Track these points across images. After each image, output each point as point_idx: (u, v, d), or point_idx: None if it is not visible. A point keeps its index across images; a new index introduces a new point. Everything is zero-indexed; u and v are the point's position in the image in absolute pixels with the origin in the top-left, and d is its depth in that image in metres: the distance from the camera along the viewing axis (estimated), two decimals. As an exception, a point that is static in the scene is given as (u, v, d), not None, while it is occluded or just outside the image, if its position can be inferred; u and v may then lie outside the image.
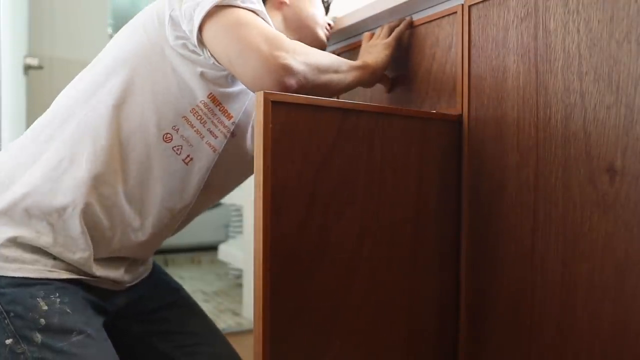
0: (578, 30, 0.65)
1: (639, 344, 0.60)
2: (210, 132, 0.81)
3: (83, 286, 0.80)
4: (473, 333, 0.80)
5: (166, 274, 1.03)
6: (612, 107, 0.62)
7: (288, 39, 0.73)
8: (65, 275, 0.77)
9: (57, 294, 0.75)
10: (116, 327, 0.90)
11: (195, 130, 0.80)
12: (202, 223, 3.33)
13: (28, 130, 0.83)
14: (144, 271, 0.94)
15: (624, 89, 0.61)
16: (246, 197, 2.10)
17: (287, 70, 0.69)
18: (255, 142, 0.64)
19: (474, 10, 0.79)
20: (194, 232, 3.29)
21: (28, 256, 0.75)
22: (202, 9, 0.73)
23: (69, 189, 0.76)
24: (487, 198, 0.77)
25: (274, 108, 0.64)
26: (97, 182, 0.77)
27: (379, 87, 0.97)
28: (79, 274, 0.79)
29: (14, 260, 0.75)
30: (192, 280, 2.64)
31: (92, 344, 0.74)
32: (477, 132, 0.79)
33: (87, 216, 0.77)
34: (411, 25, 0.92)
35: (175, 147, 0.80)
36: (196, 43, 0.75)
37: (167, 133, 0.79)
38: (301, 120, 0.67)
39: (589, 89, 0.64)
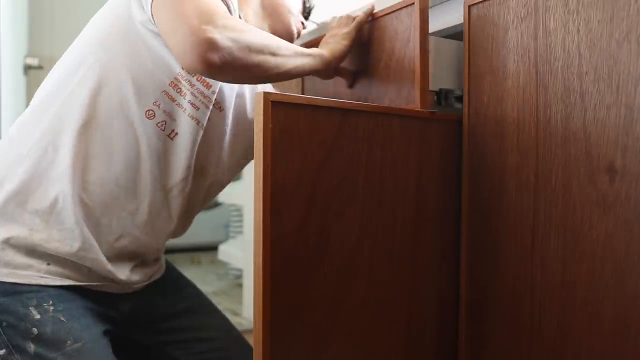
0: (578, 30, 0.65)
1: (639, 344, 0.60)
2: (192, 103, 0.81)
3: (82, 293, 0.78)
4: (473, 333, 0.80)
5: (180, 278, 1.01)
6: (612, 107, 0.62)
7: (226, 15, 0.70)
8: (59, 281, 0.75)
9: (51, 302, 0.73)
10: (128, 338, 0.88)
11: (176, 104, 0.80)
12: (202, 223, 3.34)
13: (12, 126, 0.82)
14: (154, 272, 0.91)
15: (624, 89, 0.61)
16: (246, 197, 2.11)
17: (211, 45, 0.66)
18: (255, 142, 0.64)
19: (473, 10, 0.79)
20: (194, 232, 3.29)
21: (21, 260, 0.74)
22: None
23: (57, 180, 0.75)
24: (487, 198, 0.77)
25: (274, 108, 0.64)
26: (83, 169, 0.76)
27: (342, 82, 0.95)
28: (75, 280, 0.77)
29: (6, 264, 0.73)
30: (192, 280, 2.64)
31: (87, 353, 0.73)
32: (477, 132, 0.79)
33: (79, 205, 0.76)
34: (372, 17, 0.89)
35: (159, 123, 0.79)
36: (151, 17, 0.75)
37: (148, 110, 0.78)
38: (301, 120, 0.67)
39: (589, 89, 0.64)
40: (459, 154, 0.82)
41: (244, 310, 2.13)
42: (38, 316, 0.71)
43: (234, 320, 2.03)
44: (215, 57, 0.66)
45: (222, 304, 2.26)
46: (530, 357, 0.72)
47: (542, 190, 0.70)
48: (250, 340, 0.67)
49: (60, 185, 0.75)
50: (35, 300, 0.72)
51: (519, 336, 0.73)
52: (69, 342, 0.72)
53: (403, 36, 0.83)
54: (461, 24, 0.82)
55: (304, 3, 1.07)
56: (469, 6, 0.80)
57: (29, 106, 0.82)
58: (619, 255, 0.62)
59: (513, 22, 0.73)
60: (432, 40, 0.87)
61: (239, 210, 2.62)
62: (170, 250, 3.21)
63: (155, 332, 0.91)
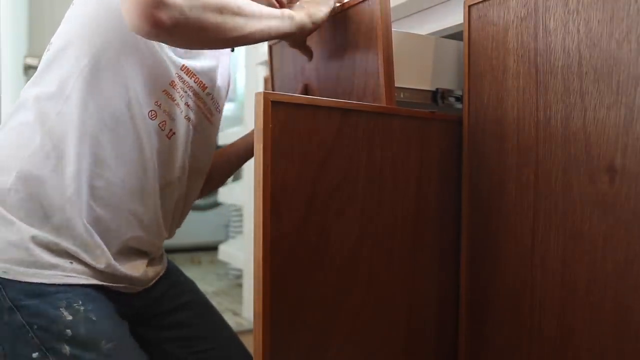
0: (578, 30, 0.65)
1: (639, 344, 0.60)
2: (187, 104, 0.80)
3: (105, 291, 0.76)
4: (473, 333, 0.80)
5: (180, 273, 1.00)
6: (612, 107, 0.62)
7: None
8: (84, 280, 0.73)
9: (80, 302, 0.71)
10: (134, 334, 0.88)
11: (175, 104, 0.79)
12: (202, 223, 3.34)
13: (9, 122, 0.77)
14: (162, 269, 0.91)
15: (624, 89, 0.61)
16: (246, 197, 2.11)
17: (158, 1, 0.60)
18: (255, 142, 0.64)
19: (474, 10, 0.79)
20: (194, 232, 3.30)
21: (47, 259, 0.71)
22: None
23: (62, 187, 0.73)
24: (487, 198, 0.77)
25: (274, 108, 0.64)
26: (90, 175, 0.74)
27: (309, 76, 0.92)
28: (98, 279, 0.75)
29: (31, 264, 0.71)
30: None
31: (123, 350, 0.72)
32: (477, 132, 0.79)
33: (87, 212, 0.74)
34: (340, 9, 0.85)
35: (160, 123, 0.78)
36: None
37: (151, 110, 0.77)
38: (301, 120, 0.67)
39: (589, 89, 0.64)
40: (459, 154, 0.82)
41: (244, 310, 2.13)
42: (70, 317, 0.70)
43: (234, 320, 2.03)
44: (163, 16, 0.61)
45: (222, 304, 2.26)
46: (530, 357, 0.72)
47: (542, 190, 0.70)
48: (251, 340, 0.67)
49: (65, 193, 0.72)
50: (65, 301, 0.70)
51: (519, 336, 0.73)
52: (103, 341, 0.70)
53: (366, 30, 0.80)
54: (461, 24, 0.82)
55: None
56: (469, 6, 0.80)
57: (20, 105, 0.77)
58: (619, 255, 0.62)
59: (513, 22, 0.73)
60: (432, 40, 0.87)
61: (239, 210, 2.62)
62: (170, 250, 3.21)
63: (160, 327, 0.90)
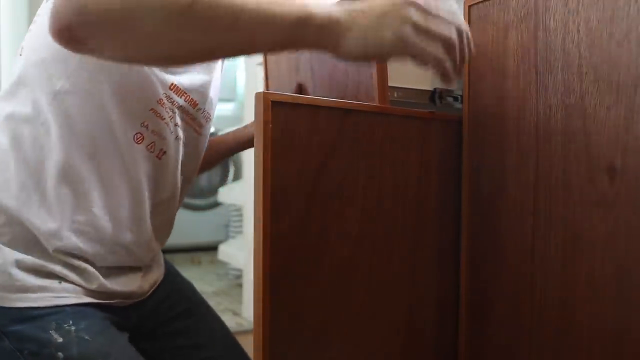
0: (578, 30, 0.65)
1: (639, 344, 0.60)
2: (176, 124, 0.76)
3: (98, 306, 0.73)
4: (473, 333, 0.80)
5: (177, 274, 0.98)
6: (612, 107, 0.62)
7: None
8: (75, 299, 0.70)
9: (71, 322, 0.68)
10: (135, 347, 0.87)
11: (165, 122, 0.74)
12: (202, 223, 3.35)
13: None
14: (159, 276, 0.89)
15: (624, 89, 0.61)
16: (246, 197, 2.11)
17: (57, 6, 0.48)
18: (255, 142, 0.64)
19: (473, 10, 0.79)
20: (194, 232, 3.31)
21: (33, 282, 0.68)
22: None
23: (39, 222, 0.68)
24: (487, 198, 0.77)
25: (274, 108, 0.64)
26: (72, 211, 0.69)
27: (305, 75, 0.91)
28: (90, 297, 0.72)
29: (18, 289, 0.67)
30: (192, 280, 2.63)
31: None
32: (477, 132, 0.79)
33: (70, 248, 0.69)
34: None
35: (148, 145, 0.72)
36: None
37: (137, 133, 0.71)
38: (301, 120, 0.67)
39: (589, 89, 0.64)
40: (459, 154, 0.82)
41: (244, 310, 2.13)
42: (60, 339, 0.66)
43: (234, 320, 2.03)
44: (62, 20, 0.48)
45: (222, 304, 2.26)
46: (530, 357, 0.72)
47: (542, 191, 0.70)
48: (251, 340, 0.67)
49: (42, 228, 0.68)
50: (54, 323, 0.67)
51: (519, 336, 0.73)
52: (99, 359, 0.68)
53: None
54: (461, 24, 0.82)
55: None
56: (469, 6, 0.79)
57: None
58: (619, 255, 0.62)
59: (513, 22, 0.73)
60: (432, 40, 0.86)
61: (239, 210, 2.62)
62: (170, 250, 3.22)
63: (159, 337, 0.88)
